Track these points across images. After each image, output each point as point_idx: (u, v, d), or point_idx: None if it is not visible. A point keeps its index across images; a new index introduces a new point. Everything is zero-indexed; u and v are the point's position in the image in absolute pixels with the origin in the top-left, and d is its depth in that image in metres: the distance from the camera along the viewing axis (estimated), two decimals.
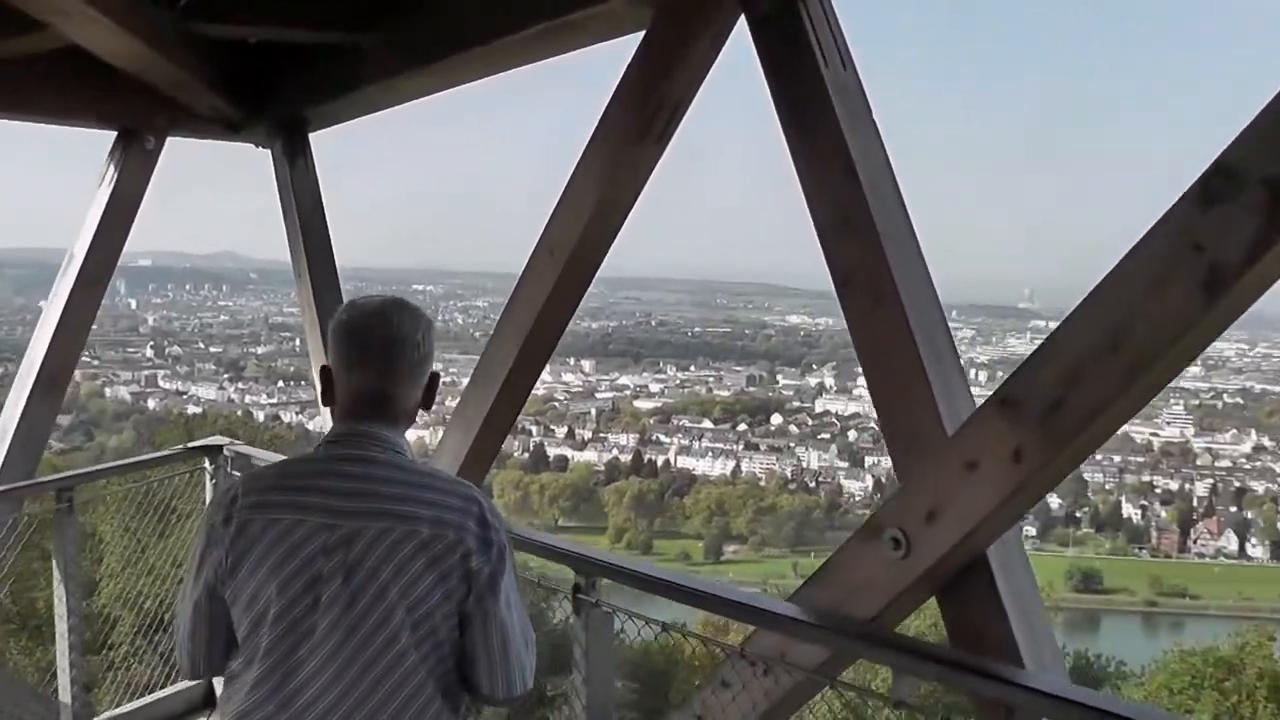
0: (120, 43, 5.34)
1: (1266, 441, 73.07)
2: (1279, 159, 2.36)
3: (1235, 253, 2.40)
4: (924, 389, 3.24)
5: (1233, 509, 69.92)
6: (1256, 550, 68.08)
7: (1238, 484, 71.07)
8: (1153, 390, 2.69)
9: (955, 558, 3.09)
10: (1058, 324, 2.80)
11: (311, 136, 6.74)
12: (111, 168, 6.69)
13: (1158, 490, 73.10)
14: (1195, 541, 69.44)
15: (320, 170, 6.79)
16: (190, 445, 6.67)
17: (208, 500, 6.22)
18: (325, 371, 2.55)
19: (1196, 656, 24.26)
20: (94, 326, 7.10)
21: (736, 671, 3.58)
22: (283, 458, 3.20)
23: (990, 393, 2.94)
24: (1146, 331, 2.58)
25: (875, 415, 3.50)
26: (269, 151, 6.78)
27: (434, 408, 2.60)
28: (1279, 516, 67.77)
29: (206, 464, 6.47)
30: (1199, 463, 73.85)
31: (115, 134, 6.72)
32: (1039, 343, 2.84)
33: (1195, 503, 71.29)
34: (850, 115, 3.52)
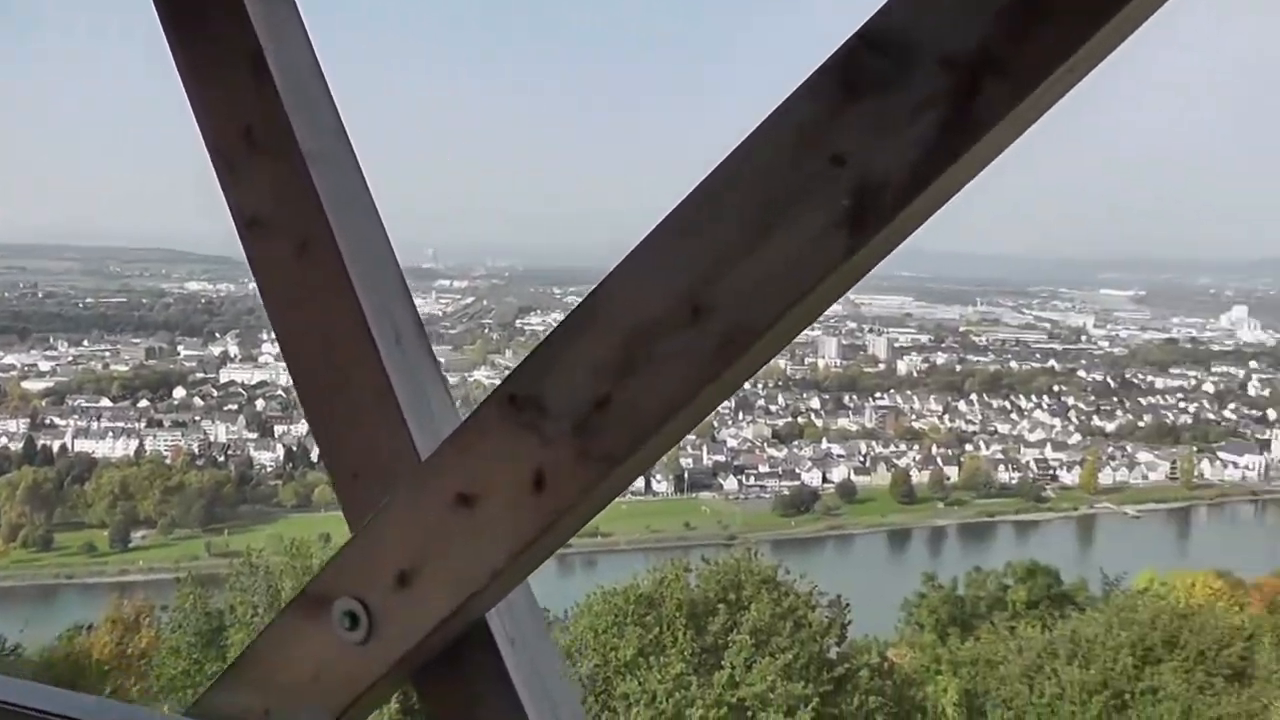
0: None
1: None
2: (969, 27, 1.55)
3: (898, 169, 1.59)
4: (378, 382, 2.18)
5: None
6: (661, 485, 74.52)
7: None
8: (752, 370, 1.83)
9: (444, 632, 2.07)
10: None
11: None
12: None
13: None
14: None
15: None
16: None
17: None
18: None
19: (619, 595, 25.57)
20: None
21: None
22: None
23: None
24: (748, 291, 1.70)
25: (305, 420, 2.40)
26: None
27: None
28: (681, 454, 74.35)
29: None
30: None
31: None
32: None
33: None
34: None
